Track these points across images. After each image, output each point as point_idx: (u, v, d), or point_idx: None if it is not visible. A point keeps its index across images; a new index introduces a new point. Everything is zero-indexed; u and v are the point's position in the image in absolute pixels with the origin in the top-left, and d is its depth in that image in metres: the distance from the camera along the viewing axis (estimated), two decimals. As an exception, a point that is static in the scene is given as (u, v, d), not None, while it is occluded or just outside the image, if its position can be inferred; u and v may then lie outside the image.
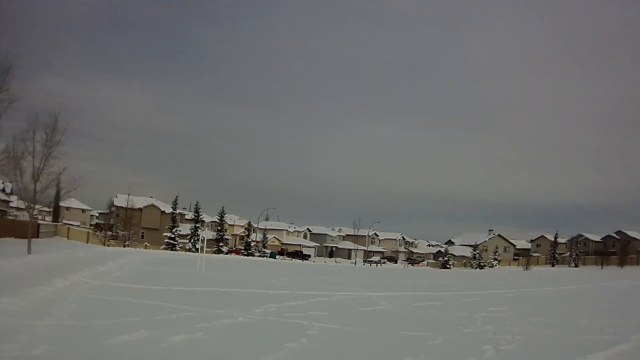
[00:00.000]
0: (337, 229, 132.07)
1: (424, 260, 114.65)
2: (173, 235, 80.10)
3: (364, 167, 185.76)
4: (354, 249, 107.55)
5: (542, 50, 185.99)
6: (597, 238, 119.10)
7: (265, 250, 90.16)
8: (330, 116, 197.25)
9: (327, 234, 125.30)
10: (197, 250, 71.29)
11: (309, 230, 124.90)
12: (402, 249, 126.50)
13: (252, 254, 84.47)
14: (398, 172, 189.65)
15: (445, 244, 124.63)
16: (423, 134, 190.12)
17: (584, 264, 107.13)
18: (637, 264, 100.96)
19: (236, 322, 11.90)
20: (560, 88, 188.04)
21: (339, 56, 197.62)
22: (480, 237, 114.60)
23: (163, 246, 79.31)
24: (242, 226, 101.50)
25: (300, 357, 8.60)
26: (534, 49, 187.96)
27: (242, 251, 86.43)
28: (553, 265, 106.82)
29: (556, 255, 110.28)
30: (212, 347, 9.02)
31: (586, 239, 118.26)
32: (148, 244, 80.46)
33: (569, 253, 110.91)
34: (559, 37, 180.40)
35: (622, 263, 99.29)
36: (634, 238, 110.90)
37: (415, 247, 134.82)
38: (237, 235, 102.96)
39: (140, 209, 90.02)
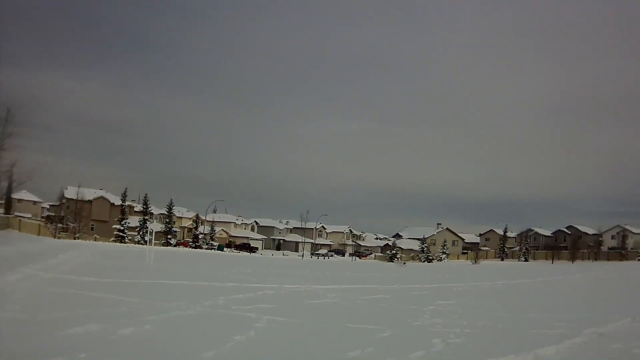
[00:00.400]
0: (284, 221, 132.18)
1: (371, 253, 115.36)
2: (122, 228, 79.10)
3: (311, 160, 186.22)
4: (302, 242, 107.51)
5: (500, 45, 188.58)
6: (548, 232, 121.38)
7: (213, 242, 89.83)
8: (278, 110, 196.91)
9: (274, 227, 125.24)
10: (146, 242, 70.52)
11: (257, 223, 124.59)
12: (349, 242, 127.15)
13: (200, 247, 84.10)
14: (346, 165, 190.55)
15: (393, 237, 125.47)
16: (371, 128, 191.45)
17: (534, 258, 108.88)
18: (589, 259, 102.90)
19: (185, 315, 11.99)
20: (511, 82, 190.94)
21: (292, 48, 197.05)
22: (429, 231, 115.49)
23: (112, 238, 78.33)
24: (191, 218, 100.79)
25: (248, 349, 8.76)
26: (491, 44, 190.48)
27: (190, 243, 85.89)
28: (502, 260, 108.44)
29: (505, 250, 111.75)
30: (161, 339, 9.14)
31: (536, 233, 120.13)
32: (98, 236, 79.32)
33: (518, 247, 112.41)
34: (518, 32, 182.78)
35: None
36: (585, 233, 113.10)
37: (363, 240, 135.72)
38: (185, 227, 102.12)
39: (90, 201, 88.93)
